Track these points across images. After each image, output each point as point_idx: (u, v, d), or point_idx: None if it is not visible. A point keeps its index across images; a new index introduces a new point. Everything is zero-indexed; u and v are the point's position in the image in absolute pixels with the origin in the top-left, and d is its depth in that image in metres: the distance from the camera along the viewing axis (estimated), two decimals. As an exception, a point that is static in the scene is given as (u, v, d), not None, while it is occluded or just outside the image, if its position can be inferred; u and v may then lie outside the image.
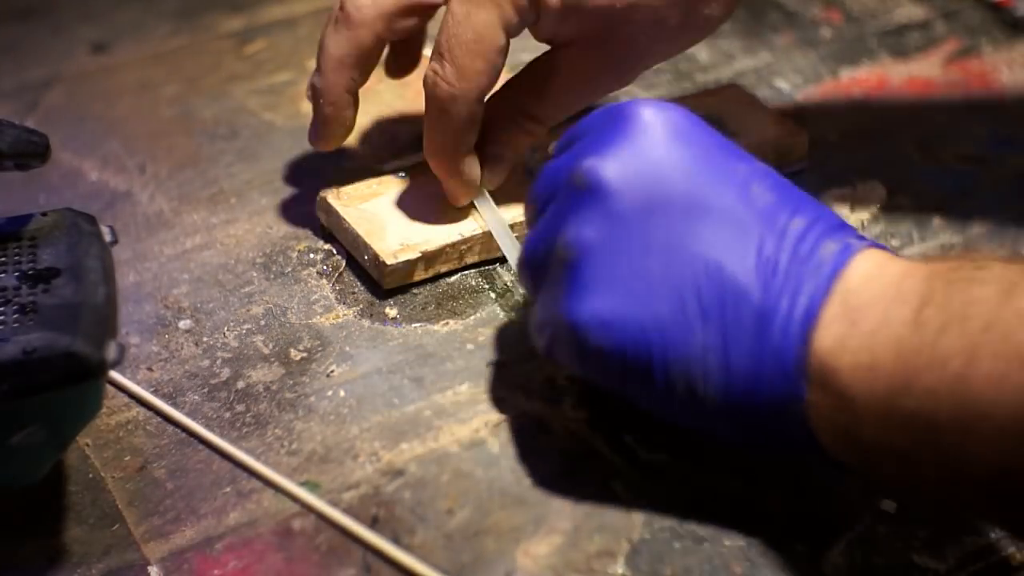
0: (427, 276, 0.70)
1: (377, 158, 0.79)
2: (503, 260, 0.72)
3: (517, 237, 0.70)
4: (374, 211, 0.71)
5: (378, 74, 0.86)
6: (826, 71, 0.88)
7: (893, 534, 0.60)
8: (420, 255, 0.69)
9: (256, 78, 0.86)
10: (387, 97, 0.84)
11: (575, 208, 0.57)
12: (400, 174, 0.74)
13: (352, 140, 0.81)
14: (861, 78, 0.88)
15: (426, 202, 0.72)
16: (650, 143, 0.56)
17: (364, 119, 0.82)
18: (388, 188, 0.73)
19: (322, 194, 0.73)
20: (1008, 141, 0.82)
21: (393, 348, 0.67)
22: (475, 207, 0.71)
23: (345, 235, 0.71)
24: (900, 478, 0.55)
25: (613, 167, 0.56)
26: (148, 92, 0.85)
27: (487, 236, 0.71)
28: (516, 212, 0.71)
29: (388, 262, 0.69)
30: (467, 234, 0.71)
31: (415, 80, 0.86)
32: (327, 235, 0.73)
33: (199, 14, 0.92)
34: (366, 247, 0.70)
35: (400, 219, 0.71)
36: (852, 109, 0.85)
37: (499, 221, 0.70)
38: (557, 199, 0.58)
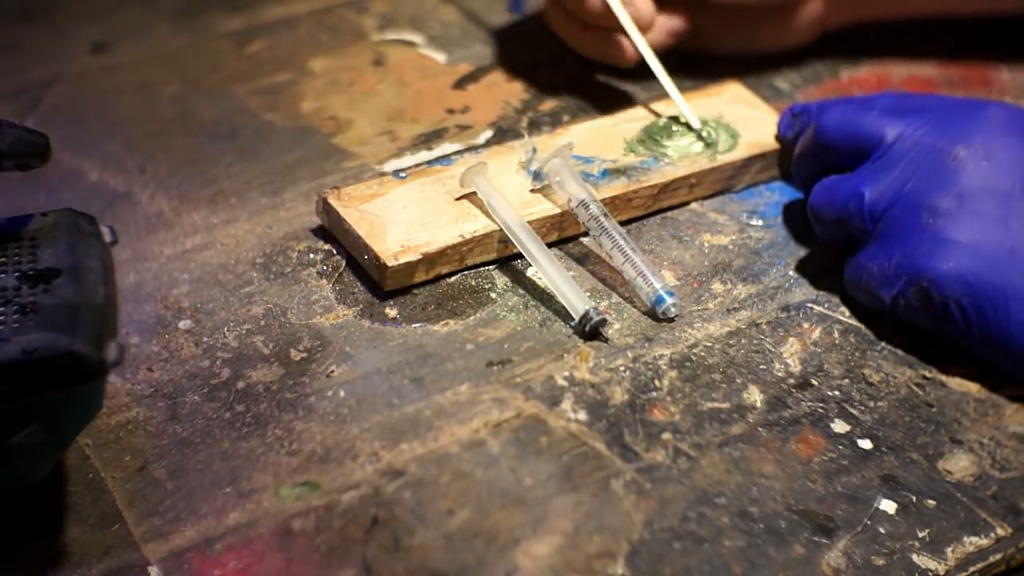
0: (428, 278, 0.70)
1: (377, 158, 0.79)
2: (503, 261, 0.72)
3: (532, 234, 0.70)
4: (375, 212, 0.71)
5: (378, 74, 0.86)
6: (826, 71, 0.88)
7: (893, 534, 0.60)
8: (421, 257, 0.69)
9: (256, 78, 0.86)
10: (387, 97, 0.85)
11: (943, 178, 0.67)
12: (401, 175, 0.74)
13: (352, 140, 0.81)
14: (861, 78, 0.88)
15: (427, 203, 0.72)
16: (1003, 136, 0.68)
17: (364, 119, 0.82)
18: (389, 189, 0.73)
19: (323, 195, 0.73)
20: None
21: (393, 348, 0.67)
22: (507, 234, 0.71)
23: (346, 236, 0.71)
24: None
25: (979, 152, 0.68)
26: (148, 92, 0.85)
27: (488, 237, 0.71)
28: (525, 211, 0.71)
29: (389, 264, 0.69)
30: (468, 235, 0.71)
31: (415, 80, 0.86)
32: (327, 235, 0.73)
33: (199, 14, 0.92)
34: (367, 248, 0.70)
35: (401, 220, 0.71)
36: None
37: (562, 274, 0.70)
38: (913, 166, 0.68)
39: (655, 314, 0.69)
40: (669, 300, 0.69)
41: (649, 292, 0.69)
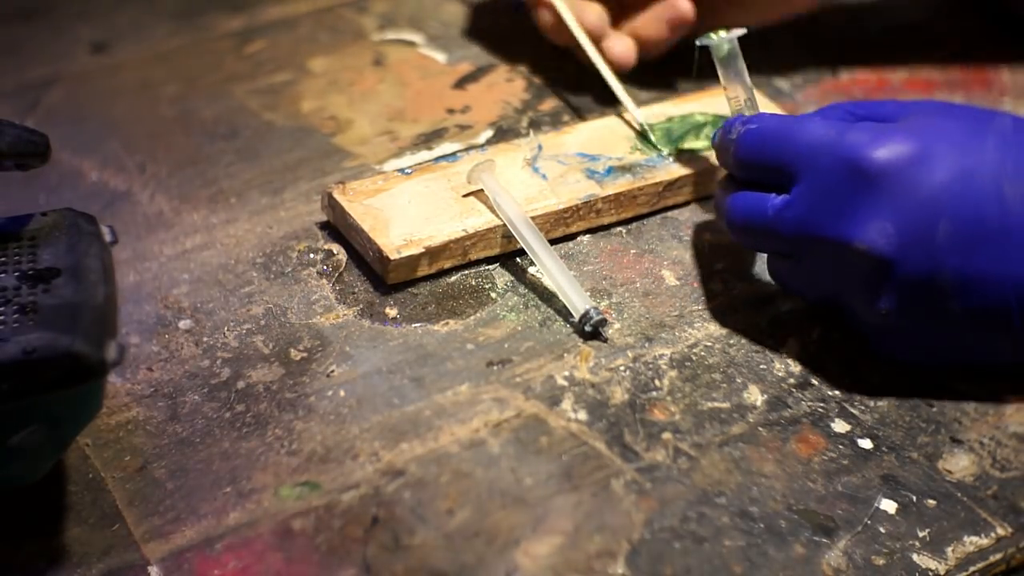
0: (431, 272, 0.70)
1: (377, 158, 0.79)
2: (505, 258, 0.72)
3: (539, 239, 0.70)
4: (379, 207, 0.71)
5: (378, 74, 0.86)
6: (826, 71, 0.88)
7: (893, 534, 0.60)
8: (424, 250, 0.70)
9: (256, 78, 0.86)
10: (387, 97, 0.85)
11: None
12: (407, 170, 0.74)
13: (352, 140, 0.81)
14: (861, 78, 0.88)
15: (431, 198, 0.72)
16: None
17: (364, 119, 0.82)
18: (393, 184, 0.73)
19: (328, 190, 0.73)
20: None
21: (393, 348, 0.67)
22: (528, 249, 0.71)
23: (350, 230, 0.72)
24: None
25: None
26: (148, 92, 0.85)
27: (491, 232, 0.71)
28: (529, 207, 0.72)
29: (392, 257, 0.69)
30: (471, 229, 0.71)
31: (415, 80, 0.86)
32: (328, 234, 0.73)
33: (199, 14, 0.92)
34: (370, 242, 0.70)
35: (405, 215, 0.71)
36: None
37: (564, 272, 0.69)
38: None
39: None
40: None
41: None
